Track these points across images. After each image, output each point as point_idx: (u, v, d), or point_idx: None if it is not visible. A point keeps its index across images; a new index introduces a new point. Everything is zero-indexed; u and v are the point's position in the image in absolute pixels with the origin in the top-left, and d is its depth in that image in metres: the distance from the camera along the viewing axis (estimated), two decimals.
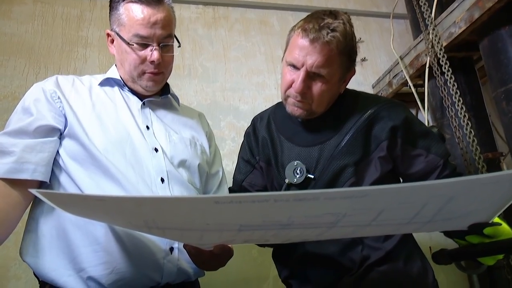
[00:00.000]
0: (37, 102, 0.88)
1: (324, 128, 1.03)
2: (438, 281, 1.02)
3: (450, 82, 1.53)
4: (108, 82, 1.01)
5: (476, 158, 1.42)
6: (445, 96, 1.62)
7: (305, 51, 0.93)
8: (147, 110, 1.01)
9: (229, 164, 1.88)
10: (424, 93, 1.84)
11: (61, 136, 0.89)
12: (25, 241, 0.86)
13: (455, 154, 1.69)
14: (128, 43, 0.94)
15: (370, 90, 2.23)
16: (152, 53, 0.94)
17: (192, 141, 1.04)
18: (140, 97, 1.02)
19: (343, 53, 0.95)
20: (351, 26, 0.98)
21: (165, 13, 0.95)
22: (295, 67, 0.96)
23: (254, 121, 1.18)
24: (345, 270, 0.96)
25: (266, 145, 1.09)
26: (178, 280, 0.88)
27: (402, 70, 1.89)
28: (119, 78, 1.01)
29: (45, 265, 0.82)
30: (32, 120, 0.85)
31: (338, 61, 0.95)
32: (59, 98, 0.90)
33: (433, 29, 1.64)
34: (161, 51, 0.95)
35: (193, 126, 1.10)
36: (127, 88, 1.02)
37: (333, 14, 0.96)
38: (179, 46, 1.03)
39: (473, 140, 1.44)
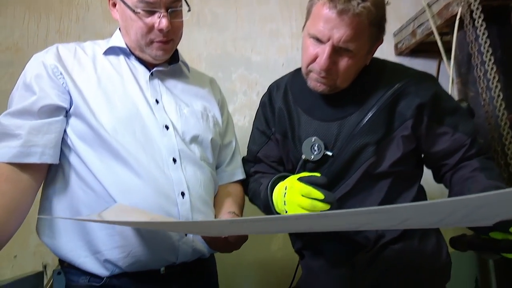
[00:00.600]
0: (39, 78, 0.83)
1: (345, 102, 0.96)
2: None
3: (482, 39, 1.41)
4: (113, 51, 0.94)
5: (502, 122, 1.35)
6: (474, 53, 1.50)
7: (331, 24, 0.84)
8: (156, 82, 0.95)
9: (240, 119, 1.84)
10: (450, 43, 1.71)
11: (67, 115, 0.85)
12: (41, 221, 0.86)
13: (478, 113, 1.61)
14: (133, 10, 0.85)
15: (391, 38, 2.09)
16: (160, 21, 0.86)
17: (204, 113, 0.99)
18: (148, 66, 0.95)
19: (373, 24, 0.86)
20: None
21: None
22: (319, 40, 0.87)
23: (270, 89, 1.11)
24: (359, 247, 0.96)
25: (283, 117, 1.04)
26: (193, 258, 0.89)
27: (428, 20, 1.74)
28: (125, 47, 0.93)
29: (62, 246, 0.82)
30: (35, 100, 0.81)
31: (367, 33, 0.86)
32: (61, 74, 0.84)
33: None
34: (170, 17, 0.87)
35: (205, 96, 1.04)
36: (133, 56, 0.94)
37: None
38: (189, 11, 0.94)
39: (500, 102, 1.35)
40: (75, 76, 0.86)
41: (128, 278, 0.81)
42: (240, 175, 1.08)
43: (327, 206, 0.80)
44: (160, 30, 0.87)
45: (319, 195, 0.80)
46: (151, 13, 0.86)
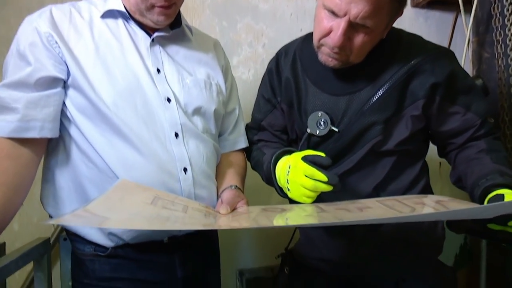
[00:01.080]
0: (33, 47, 0.78)
1: (356, 76, 0.92)
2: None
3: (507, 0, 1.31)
4: (111, 14, 0.87)
5: None
6: (496, 14, 1.41)
7: None
8: (157, 48, 0.90)
9: (244, 72, 1.78)
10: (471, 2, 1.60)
11: (65, 86, 0.82)
12: (45, 191, 0.86)
13: (489, 77, 1.56)
14: None
15: None
16: None
17: (207, 82, 0.95)
18: (148, 30, 0.90)
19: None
20: None
21: None
22: (334, 13, 0.81)
23: (278, 56, 1.06)
24: None
25: (289, 87, 1.00)
26: None
27: None
28: (124, 10, 0.87)
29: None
30: (31, 71, 0.77)
31: (388, 8, 0.80)
32: (56, 43, 0.79)
33: None
34: None
35: (208, 62, 0.99)
36: (133, 21, 0.88)
37: None
38: None
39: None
40: (71, 44, 0.81)
41: (132, 248, 0.84)
42: (243, 143, 1.07)
43: (330, 188, 0.80)
44: None
45: (323, 177, 0.79)
46: None
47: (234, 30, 1.77)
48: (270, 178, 0.96)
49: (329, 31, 0.83)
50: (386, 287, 0.96)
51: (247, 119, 1.17)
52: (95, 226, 0.48)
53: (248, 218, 0.70)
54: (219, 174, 0.98)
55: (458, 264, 1.68)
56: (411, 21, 1.93)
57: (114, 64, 0.83)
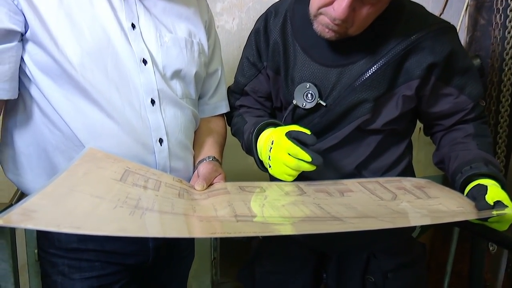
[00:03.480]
0: None
1: (351, 47, 0.85)
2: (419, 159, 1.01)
3: None
4: None
5: (506, 56, 1.26)
6: None
7: None
8: (132, 1, 0.79)
9: (228, 21, 1.66)
10: None
11: (22, 39, 0.71)
12: (3, 155, 0.79)
13: (482, 45, 1.51)
14: None
15: None
16: None
17: (189, 41, 0.86)
18: None
19: None
20: None
21: None
22: None
23: (267, 16, 0.96)
24: None
25: (277, 52, 0.92)
26: None
27: None
28: None
29: (29, 184, 0.78)
30: None
31: None
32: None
33: None
34: None
35: (190, 17, 0.89)
36: None
37: None
38: None
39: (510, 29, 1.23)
40: None
41: None
42: (224, 108, 1.01)
43: (313, 168, 0.78)
44: None
45: (307, 157, 0.76)
46: None
47: None
48: (250, 149, 0.92)
49: (332, 1, 0.74)
50: (357, 261, 0.98)
51: (230, 74, 1.10)
52: (48, 229, 0.43)
53: (224, 201, 0.66)
54: (197, 142, 0.92)
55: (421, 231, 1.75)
56: None
57: (80, 16, 0.72)
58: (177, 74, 0.83)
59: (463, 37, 1.66)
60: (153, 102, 0.78)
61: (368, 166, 0.94)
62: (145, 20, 0.80)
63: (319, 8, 0.78)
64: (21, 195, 0.97)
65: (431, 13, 0.88)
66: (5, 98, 0.71)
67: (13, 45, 0.70)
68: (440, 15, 1.87)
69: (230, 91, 1.05)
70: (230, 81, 1.09)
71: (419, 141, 2.00)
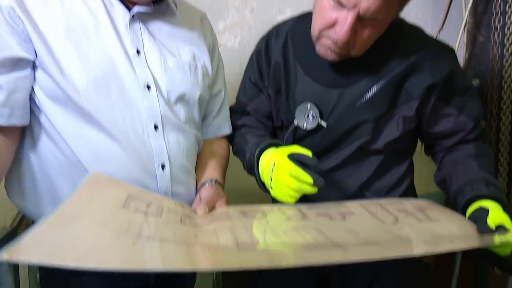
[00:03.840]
0: None
1: (351, 68, 0.86)
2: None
3: None
4: None
5: (505, 74, 1.26)
6: None
7: None
8: (137, 26, 0.80)
9: (230, 39, 1.68)
10: None
11: (34, 67, 0.73)
12: (8, 179, 0.79)
13: (481, 60, 1.52)
14: None
15: None
16: None
17: (193, 64, 0.87)
18: (127, 4, 0.79)
19: None
20: None
21: None
22: (341, 4, 0.73)
23: (268, 37, 0.97)
24: None
25: (279, 72, 0.93)
26: None
27: None
28: None
29: (32, 209, 0.78)
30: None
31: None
32: (20, 18, 0.69)
33: None
34: None
35: (194, 40, 0.90)
36: None
37: None
38: None
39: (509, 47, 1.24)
40: (36, 17, 0.71)
41: None
42: (227, 129, 1.01)
43: (315, 190, 0.78)
44: None
45: (309, 179, 0.76)
46: None
47: None
48: (252, 169, 0.92)
49: (334, 23, 0.76)
50: (360, 282, 0.97)
51: (232, 92, 1.10)
52: (53, 264, 0.42)
53: (225, 227, 0.66)
54: (200, 164, 0.93)
55: None
56: None
57: (87, 43, 0.74)
58: (181, 98, 0.84)
59: (462, 53, 1.68)
60: (156, 127, 0.79)
61: (370, 186, 0.94)
62: (149, 45, 0.81)
63: (321, 30, 0.79)
64: (23, 218, 0.97)
65: (430, 35, 0.89)
66: (18, 124, 0.72)
67: (26, 73, 0.71)
68: (439, 31, 1.90)
69: (232, 111, 1.06)
70: (232, 98, 1.10)
71: (421, 156, 1.99)
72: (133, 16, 0.79)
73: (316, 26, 0.80)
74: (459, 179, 0.86)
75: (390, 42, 0.85)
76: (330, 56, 0.82)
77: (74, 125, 0.73)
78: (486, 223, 0.71)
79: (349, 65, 0.86)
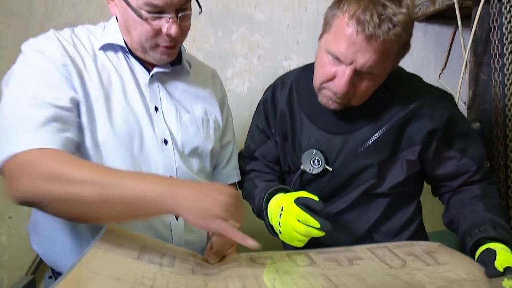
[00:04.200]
0: (48, 72, 0.74)
1: (353, 115, 0.91)
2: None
3: (505, 16, 1.29)
4: (111, 47, 0.84)
5: (509, 112, 1.28)
6: (494, 27, 1.39)
7: (356, 48, 0.75)
8: (156, 85, 0.87)
9: (239, 85, 1.75)
10: (470, 17, 1.58)
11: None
12: (31, 225, 0.84)
13: (485, 98, 1.55)
14: (138, 14, 0.75)
15: None
16: (170, 26, 0.77)
17: (205, 119, 0.93)
18: (147, 65, 0.87)
19: (402, 46, 0.78)
20: (414, 6, 0.77)
21: None
22: (339, 60, 0.78)
23: (274, 87, 1.03)
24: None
25: (284, 120, 0.98)
26: None
27: None
28: (124, 45, 0.84)
29: (53, 255, 0.82)
30: (58, 94, 0.73)
31: (395, 55, 0.80)
32: (70, 74, 0.76)
33: None
34: (179, 21, 0.78)
35: (206, 97, 0.97)
36: (132, 55, 0.85)
37: None
38: (201, 13, 0.83)
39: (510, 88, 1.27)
40: (80, 73, 0.77)
41: None
42: (236, 177, 1.05)
43: (322, 234, 0.80)
44: (169, 36, 0.78)
45: (315, 223, 0.79)
46: (158, 16, 0.76)
47: (229, 41, 1.73)
48: (261, 213, 0.95)
49: (333, 77, 0.81)
50: None
51: (241, 136, 1.16)
52: None
53: (235, 276, 0.68)
54: None
55: None
56: None
57: (115, 101, 0.80)
58: (194, 151, 0.90)
59: (465, 91, 1.71)
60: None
61: (379, 228, 0.95)
62: (166, 102, 0.88)
63: (322, 83, 0.84)
64: (39, 265, 1.00)
65: (428, 83, 0.94)
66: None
67: (76, 116, 0.75)
68: (443, 70, 1.95)
69: (241, 156, 1.10)
70: (242, 141, 1.15)
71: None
72: (152, 76, 0.86)
73: (317, 79, 0.86)
74: (467, 221, 0.87)
75: (389, 90, 0.89)
76: (332, 105, 0.86)
77: None
78: (494, 265, 0.72)
79: (351, 112, 0.90)
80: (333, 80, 0.82)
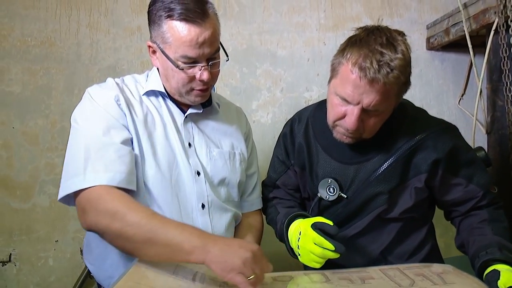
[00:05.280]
0: (112, 114, 0.90)
1: (364, 147, 1.00)
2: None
3: None
4: (153, 93, 1.00)
5: None
6: (504, 58, 1.45)
7: (361, 90, 0.86)
8: (189, 124, 1.01)
9: (263, 115, 1.88)
10: (484, 45, 1.64)
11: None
12: (85, 244, 0.97)
13: (503, 124, 1.59)
14: (176, 65, 0.90)
15: (423, 30, 2.00)
16: (202, 73, 0.91)
17: (232, 153, 1.05)
18: (182, 107, 1.01)
19: (402, 84, 0.89)
20: (409, 50, 0.87)
21: (212, 28, 0.89)
22: (347, 101, 0.90)
23: (292, 122, 1.15)
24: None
25: (302, 152, 1.09)
26: None
27: (463, 21, 1.66)
28: (164, 91, 0.99)
29: (104, 273, 0.94)
30: (121, 133, 0.89)
31: (396, 93, 0.90)
32: (125, 116, 0.92)
33: None
34: (210, 68, 0.92)
35: (233, 133, 1.10)
36: (169, 99, 1.00)
37: (391, 43, 0.85)
38: (228, 60, 0.97)
39: None
40: (130, 115, 0.92)
41: None
42: (259, 205, 1.16)
43: (337, 255, 0.88)
44: (201, 81, 0.92)
45: (330, 246, 0.87)
46: (192, 65, 0.90)
47: (253, 76, 1.87)
48: (282, 237, 1.04)
49: (344, 115, 0.92)
50: None
51: (266, 163, 1.26)
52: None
53: None
54: (237, 236, 1.06)
55: None
56: (426, 63, 1.98)
57: (158, 139, 0.94)
58: (222, 182, 1.02)
59: (483, 117, 1.76)
60: (203, 206, 0.95)
61: (392, 251, 1.02)
62: (198, 139, 1.01)
63: (334, 121, 0.95)
64: (82, 285, 1.11)
65: (433, 116, 1.02)
66: (132, 188, 0.87)
67: (133, 152, 0.90)
68: (462, 95, 2.00)
69: (264, 185, 1.21)
70: (266, 167, 1.24)
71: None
72: (186, 117, 1.00)
73: (330, 118, 0.96)
74: (475, 244, 0.93)
75: (396, 123, 0.99)
76: (345, 140, 0.97)
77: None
78: (497, 285, 0.78)
79: (363, 144, 1.00)
80: (344, 119, 0.92)
